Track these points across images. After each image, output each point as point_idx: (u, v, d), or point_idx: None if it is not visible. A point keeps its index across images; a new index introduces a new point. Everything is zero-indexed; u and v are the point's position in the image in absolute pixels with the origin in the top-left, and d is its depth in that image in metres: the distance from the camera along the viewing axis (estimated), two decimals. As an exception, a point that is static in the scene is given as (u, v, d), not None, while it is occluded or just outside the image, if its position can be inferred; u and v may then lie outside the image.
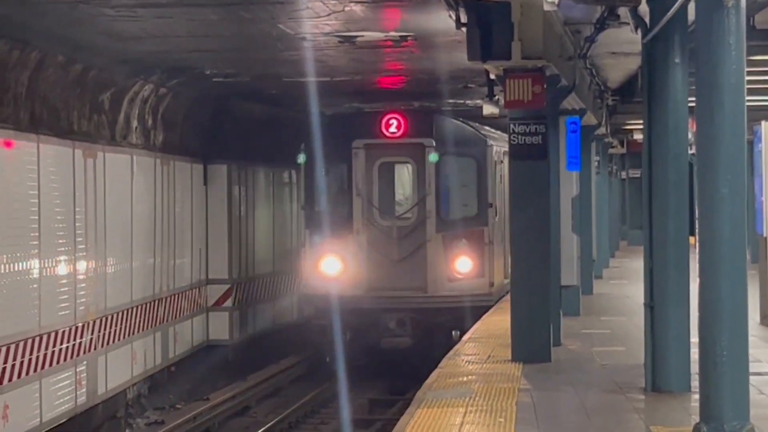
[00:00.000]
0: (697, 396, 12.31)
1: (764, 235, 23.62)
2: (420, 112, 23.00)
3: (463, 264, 21.59)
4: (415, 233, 21.58)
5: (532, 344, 17.81)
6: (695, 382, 12.79)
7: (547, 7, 14.38)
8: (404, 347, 21.53)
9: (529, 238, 18.55)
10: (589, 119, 27.02)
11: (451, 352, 19.53)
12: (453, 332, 21.47)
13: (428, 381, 16.61)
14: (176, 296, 25.28)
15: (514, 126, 18.40)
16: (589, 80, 23.77)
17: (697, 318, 12.08)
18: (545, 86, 18.06)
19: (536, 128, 18.29)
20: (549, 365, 17.59)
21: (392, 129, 21.48)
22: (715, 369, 11.74)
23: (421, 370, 19.18)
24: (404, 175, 22.16)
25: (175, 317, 25.36)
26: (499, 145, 24.34)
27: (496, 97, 21.48)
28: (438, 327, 21.53)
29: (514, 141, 18.58)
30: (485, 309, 21.33)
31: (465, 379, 16.62)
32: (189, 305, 26.33)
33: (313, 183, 22.03)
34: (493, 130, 26.81)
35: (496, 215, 22.60)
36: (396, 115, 21.57)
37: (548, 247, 18.71)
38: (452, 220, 21.70)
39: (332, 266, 21.74)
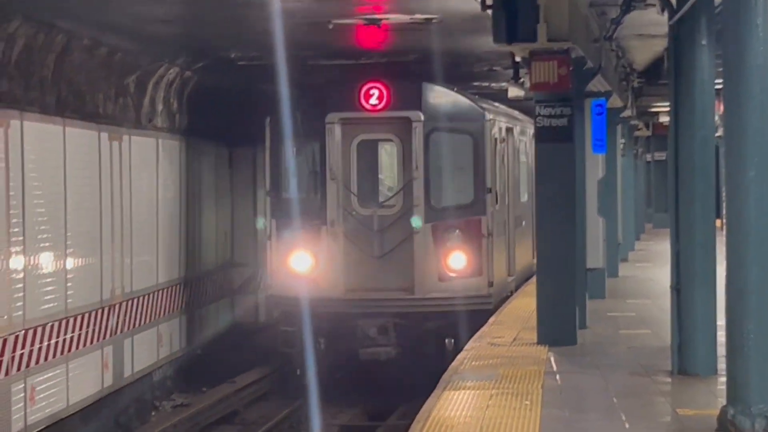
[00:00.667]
0: (723, 379, 12.44)
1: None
2: (406, 81, 20.43)
3: (456, 260, 19.25)
4: (400, 224, 19.32)
5: (558, 327, 17.81)
6: (722, 365, 12.86)
7: (572, -10, 14.43)
8: (387, 359, 19.02)
9: (554, 221, 18.50)
10: (615, 101, 27.00)
11: (476, 335, 19.27)
12: (447, 340, 19.22)
13: (454, 364, 16.55)
14: (202, 279, 25.04)
15: (540, 108, 18.40)
16: (615, 62, 23.69)
17: (724, 301, 12.13)
18: (571, 68, 18.03)
19: (562, 110, 18.28)
20: (575, 348, 17.58)
21: (373, 100, 19.23)
22: (742, 352, 11.75)
23: (406, 387, 18.34)
24: (388, 155, 20.01)
25: (202, 301, 24.92)
26: (501, 120, 22.47)
27: (522, 80, 20.79)
28: (427, 334, 19.31)
29: (540, 123, 18.56)
30: (483, 313, 19.45)
31: (491, 362, 16.57)
32: (214, 289, 26.09)
33: (279, 165, 19.65)
34: (495, 104, 25.06)
35: (496, 202, 20.64)
36: (377, 84, 19.42)
37: (574, 230, 18.68)
38: (444, 209, 19.46)
39: (302, 263, 19.24)
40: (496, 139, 20.90)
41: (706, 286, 14.60)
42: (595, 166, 22.41)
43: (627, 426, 12.36)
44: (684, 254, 14.80)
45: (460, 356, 17.36)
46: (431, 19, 19.31)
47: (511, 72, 22.45)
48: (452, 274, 19.11)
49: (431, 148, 19.31)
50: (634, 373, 15.59)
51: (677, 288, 15.05)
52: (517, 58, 19.85)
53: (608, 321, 20.91)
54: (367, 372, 19.30)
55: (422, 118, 19.04)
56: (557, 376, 15.26)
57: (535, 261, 26.21)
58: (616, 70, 24.49)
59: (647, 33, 20.27)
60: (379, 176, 20.14)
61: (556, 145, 18.36)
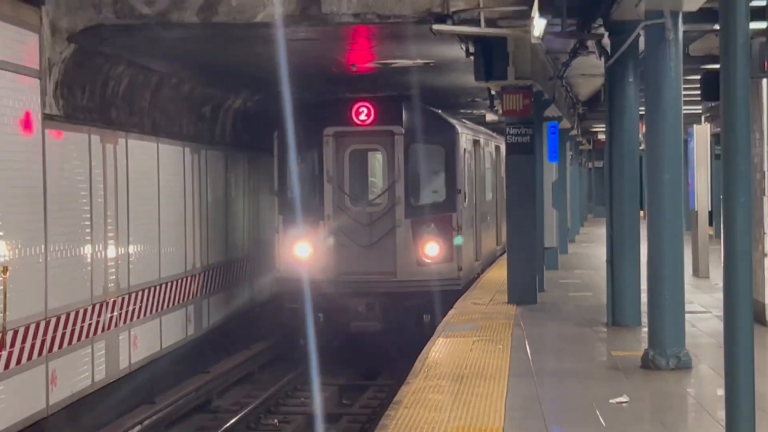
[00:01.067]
0: (646, 329, 12.71)
1: (695, 209, 23.82)
2: (390, 100, 19.69)
3: (431, 249, 18.51)
4: (385, 219, 18.57)
5: (523, 291, 17.94)
6: (644, 319, 13.03)
7: (533, 41, 14.46)
8: (373, 331, 18.43)
9: (520, 212, 18.52)
10: (565, 124, 27.07)
11: (461, 298, 19.30)
12: (424, 316, 18.44)
13: (446, 318, 16.71)
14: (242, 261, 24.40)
15: (510, 129, 18.50)
16: (564, 95, 23.71)
17: (646, 271, 12.39)
18: (532, 100, 18.28)
19: (525, 131, 18.40)
20: (535, 306, 17.72)
21: (362, 117, 18.48)
22: (659, 309, 12.00)
23: (391, 353, 17.99)
24: (376, 161, 19.38)
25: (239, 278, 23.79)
26: (468, 134, 21.54)
27: (496, 108, 20.57)
28: (408, 311, 18.46)
29: (509, 140, 18.64)
30: (453, 294, 18.64)
31: (473, 317, 16.67)
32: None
33: (285, 169, 18.92)
34: (463, 120, 24.15)
35: (465, 201, 19.78)
36: (366, 104, 18.63)
37: (534, 219, 18.82)
38: (421, 206, 18.79)
39: (304, 251, 18.47)
40: (464, 150, 20.21)
41: (632, 260, 14.73)
42: (550, 172, 22.56)
43: (575, 364, 12.48)
44: (616, 237, 14.96)
45: (450, 312, 17.42)
46: (429, 63, 19.42)
47: (488, 102, 22.56)
48: (428, 261, 18.42)
49: (410, 156, 18.71)
50: (579, 325, 15.73)
51: (611, 261, 15.18)
52: (492, 92, 19.71)
53: (560, 286, 21.05)
54: (358, 341, 18.73)
55: (403, 131, 18.50)
56: (522, 327, 15.34)
57: (498, 248, 27.76)
58: (566, 100, 24.57)
59: (589, 73, 20.31)
60: (370, 179, 19.65)
61: (522, 156, 18.47)
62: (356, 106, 18.54)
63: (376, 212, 18.44)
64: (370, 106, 18.53)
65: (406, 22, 14.47)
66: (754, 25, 7.13)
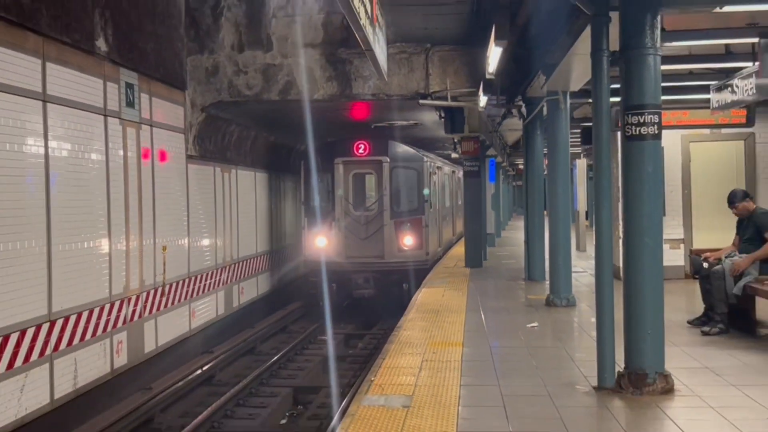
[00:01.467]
0: (548, 282, 12.76)
1: (577, 209, 23.96)
2: (380, 139, 19.23)
3: (408, 240, 17.81)
4: (377, 220, 17.93)
5: (474, 259, 18.02)
6: (548, 276, 13.10)
7: (479, 109, 14.69)
8: (369, 296, 18.00)
9: (472, 212, 18.52)
10: (499, 159, 27.30)
11: (438, 264, 19.34)
12: (404, 285, 17.83)
13: (427, 277, 16.59)
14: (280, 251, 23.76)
15: (465, 162, 18.65)
16: (499, 141, 23.76)
17: (548, 246, 12.54)
18: (479, 145, 18.45)
19: (475, 163, 18.55)
20: (481, 269, 17.68)
21: (361, 150, 18.10)
22: (556, 269, 12.16)
23: (382, 312, 17.75)
24: (370, 181, 18.90)
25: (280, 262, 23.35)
26: (433, 162, 20.72)
27: (458, 149, 20.09)
28: (392, 282, 18.00)
29: (465, 169, 18.72)
30: (423, 270, 18.10)
31: (444, 275, 16.65)
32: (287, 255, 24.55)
33: (310, 186, 18.25)
34: (429, 153, 22.35)
35: (431, 207, 19.12)
36: (364, 141, 18.22)
37: (480, 216, 18.99)
38: (401, 211, 17.97)
39: (322, 242, 17.99)
40: (430, 173, 19.54)
41: (540, 240, 14.76)
42: (490, 188, 22.77)
43: (505, 303, 12.49)
44: (529, 226, 15.05)
45: (430, 273, 17.34)
46: (416, 123, 19.58)
47: (453, 146, 22.60)
48: (405, 248, 17.70)
49: (393, 177, 18.04)
50: (507, 279, 15.71)
51: (527, 242, 15.27)
52: (455, 140, 19.73)
53: (496, 257, 20.79)
54: (359, 303, 18.29)
55: (389, 160, 17.95)
56: (473, 281, 15.35)
57: (454, 237, 25.88)
58: (500, 145, 24.53)
59: (513, 128, 20.18)
60: (367, 193, 18.75)
61: (473, 179, 18.58)
62: (357, 143, 18.13)
63: (370, 215, 17.84)
64: (367, 144, 18.09)
65: (403, 98, 14.62)
66: (613, 99, 7.33)
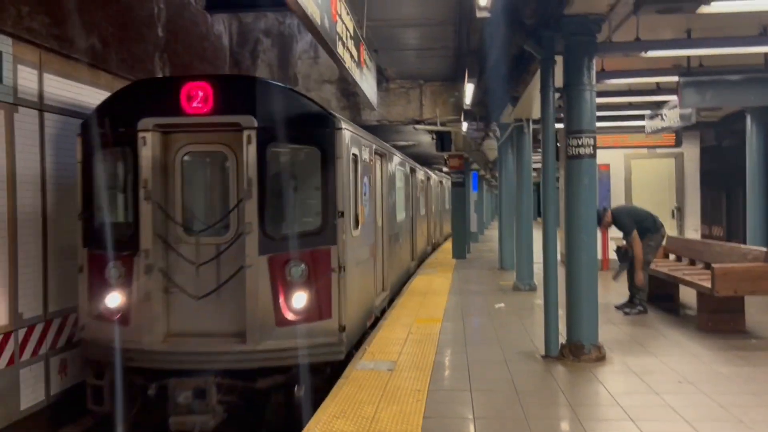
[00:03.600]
0: (515, 271, 12.72)
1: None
2: (237, 79, 7.10)
3: (299, 300, 6.08)
4: (230, 255, 6.15)
5: (459, 252, 17.85)
6: (515, 266, 13.07)
7: (463, 133, 14.72)
8: (207, 430, 5.65)
9: (458, 216, 18.21)
10: (482, 172, 27.24)
11: (432, 255, 18.88)
12: (296, 387, 5.96)
13: (422, 266, 16.12)
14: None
15: (452, 175, 18.57)
16: (482, 158, 23.70)
17: (515, 243, 12.42)
18: (464, 160, 18.41)
19: (461, 176, 18.44)
20: (465, 260, 17.42)
21: (196, 103, 6.02)
22: (521, 260, 12.10)
23: None
24: (217, 170, 6.56)
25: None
26: (362, 138, 7.77)
27: (447, 164, 19.90)
28: (263, 394, 6.06)
29: (453, 180, 18.67)
30: (334, 364, 6.45)
31: (435, 265, 16.36)
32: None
33: (92, 183, 6.43)
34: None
35: (357, 226, 7.11)
36: (202, 84, 6.04)
37: (464, 218, 18.81)
38: (285, 237, 6.11)
39: (113, 302, 6.19)
40: (355, 156, 7.58)
41: (509, 238, 14.57)
42: (472, 196, 22.65)
43: (480, 287, 12.34)
44: (502, 226, 15.06)
45: (423, 263, 16.76)
46: (414, 144, 19.53)
47: (443, 161, 22.40)
48: (295, 318, 6.20)
49: (269, 163, 6.32)
50: (485, 269, 15.47)
51: (500, 239, 15.32)
52: (445, 156, 19.57)
53: (478, 251, 20.43)
54: None
55: (256, 123, 6.14)
56: (457, 270, 15.17)
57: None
58: (483, 160, 24.40)
59: (493, 148, 20.03)
60: (206, 198, 6.76)
61: (459, 188, 18.45)
62: (186, 88, 6.15)
63: (215, 245, 6.33)
64: (208, 88, 6.13)
65: (402, 124, 14.64)
66: (558, 125, 7.31)
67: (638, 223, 9.06)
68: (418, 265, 16.27)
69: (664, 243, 9.99)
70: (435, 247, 21.74)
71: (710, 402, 5.39)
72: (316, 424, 4.97)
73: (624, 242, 9.22)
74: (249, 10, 10.50)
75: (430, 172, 20.66)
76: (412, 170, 15.03)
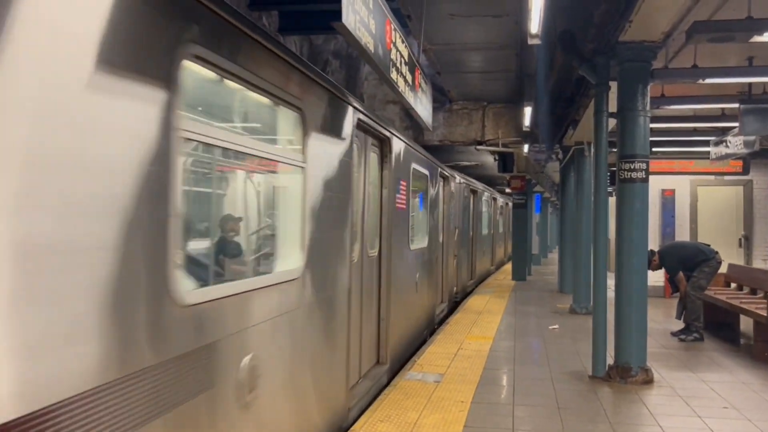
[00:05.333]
0: (572, 294, 12.70)
1: (609, 237, 23.52)
2: None
3: None
4: None
5: (519, 274, 17.88)
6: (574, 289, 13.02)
7: (525, 154, 14.84)
8: None
9: (520, 237, 18.22)
10: (546, 195, 27.05)
11: (490, 276, 18.98)
12: None
13: (478, 287, 16.19)
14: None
15: (515, 196, 18.65)
16: (547, 180, 23.60)
17: (574, 267, 12.35)
18: (525, 182, 18.46)
19: (523, 197, 18.46)
20: (525, 282, 17.44)
21: None
22: (579, 284, 12.10)
23: None
24: None
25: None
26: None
27: (510, 184, 20.12)
28: None
29: (514, 201, 18.74)
30: None
31: (492, 285, 16.45)
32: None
33: None
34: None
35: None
36: None
37: (526, 239, 18.79)
38: None
39: None
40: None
41: (571, 261, 14.49)
42: (535, 218, 22.55)
43: (536, 309, 12.37)
44: (562, 250, 15.03)
45: (481, 284, 16.90)
46: (477, 164, 19.69)
47: (505, 182, 22.49)
48: None
49: None
50: (543, 291, 15.46)
51: (561, 261, 15.28)
52: (507, 177, 19.66)
53: (539, 274, 20.37)
54: None
55: None
56: (516, 291, 15.22)
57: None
58: (548, 183, 24.28)
59: (554, 170, 20.10)
60: None
61: (520, 210, 18.55)
62: None
63: None
64: None
65: (464, 144, 14.86)
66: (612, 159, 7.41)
67: (687, 260, 9.13)
68: (478, 284, 16.62)
69: (723, 270, 9.92)
70: (498, 266, 21.83)
71: (753, 428, 5.42)
72: (361, 426, 5.27)
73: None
74: (314, 33, 10.99)
75: (495, 193, 20.69)
76: (474, 191, 15.26)
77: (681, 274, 9.12)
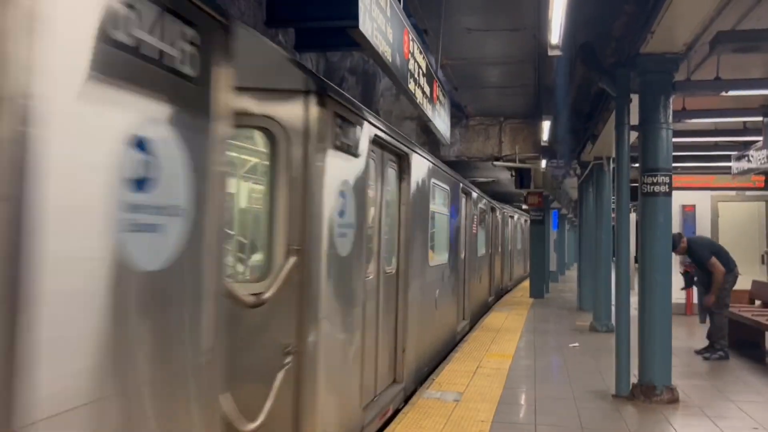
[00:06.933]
0: (592, 312, 12.51)
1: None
2: None
3: None
4: None
5: (537, 291, 17.72)
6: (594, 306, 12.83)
7: (542, 169, 14.72)
8: None
9: (538, 253, 18.11)
10: (564, 211, 26.87)
11: (507, 294, 18.74)
12: None
13: (497, 304, 16.03)
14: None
15: (532, 212, 18.49)
16: (565, 196, 23.49)
17: (595, 284, 12.18)
18: (543, 198, 18.30)
19: (540, 213, 18.33)
20: (543, 299, 17.26)
21: None
22: (599, 301, 11.92)
23: None
24: None
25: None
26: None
27: (526, 201, 19.96)
28: None
29: (532, 218, 18.61)
30: None
31: (510, 303, 16.26)
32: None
33: None
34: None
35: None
36: None
37: (544, 256, 18.65)
38: None
39: None
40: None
41: (590, 278, 14.31)
42: (552, 234, 22.36)
43: (556, 326, 12.22)
44: (581, 266, 14.85)
45: (500, 301, 16.73)
46: (494, 180, 19.58)
47: (522, 198, 22.35)
48: None
49: None
50: (562, 308, 15.26)
51: (579, 278, 15.08)
52: (524, 193, 19.55)
53: (557, 291, 20.20)
54: None
55: None
56: (534, 308, 15.06)
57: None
58: (566, 199, 24.16)
59: (572, 186, 19.99)
60: None
61: (538, 226, 18.39)
62: None
63: None
64: None
65: (481, 159, 14.77)
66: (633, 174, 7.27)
67: (715, 254, 8.90)
68: (496, 300, 16.49)
69: (747, 286, 9.69)
70: (516, 284, 21.66)
71: (786, 450, 5.22)
72: (379, 446, 5.13)
73: (688, 265, 9.07)
74: (331, 50, 10.94)
75: (513, 209, 20.63)
76: (492, 208, 15.09)
77: (715, 258, 8.82)
